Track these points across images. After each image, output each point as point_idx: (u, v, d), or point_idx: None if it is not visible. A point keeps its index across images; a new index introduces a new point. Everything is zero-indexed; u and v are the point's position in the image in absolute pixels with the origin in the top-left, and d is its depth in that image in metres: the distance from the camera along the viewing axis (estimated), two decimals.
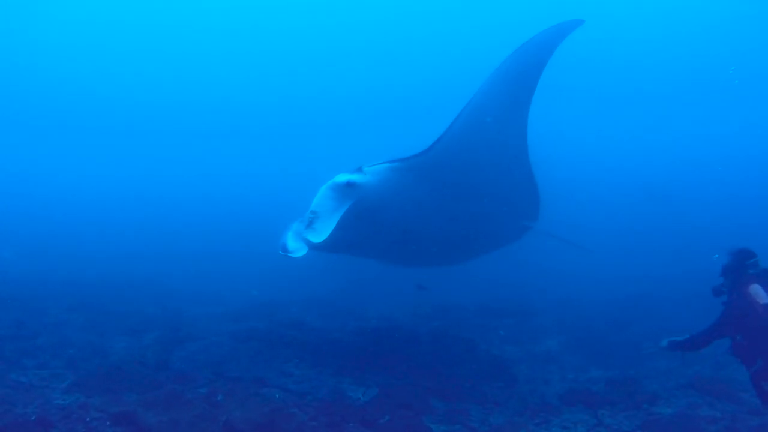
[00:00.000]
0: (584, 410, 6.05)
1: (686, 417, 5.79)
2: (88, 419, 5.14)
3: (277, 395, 5.73)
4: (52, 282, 13.16)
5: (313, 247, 5.94)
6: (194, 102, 43.59)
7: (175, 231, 24.83)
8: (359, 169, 6.30)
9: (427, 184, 6.58)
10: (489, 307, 11.40)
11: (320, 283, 12.37)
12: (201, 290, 12.84)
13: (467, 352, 7.87)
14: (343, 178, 6.23)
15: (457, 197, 6.94)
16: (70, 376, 6.51)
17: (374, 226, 6.74)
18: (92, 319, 9.59)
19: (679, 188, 27.41)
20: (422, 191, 6.65)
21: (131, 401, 5.47)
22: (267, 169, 39.84)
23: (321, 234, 5.86)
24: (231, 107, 44.03)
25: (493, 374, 7.13)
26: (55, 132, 39.76)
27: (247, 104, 43.70)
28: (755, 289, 4.43)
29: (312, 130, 42.68)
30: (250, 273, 14.25)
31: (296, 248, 5.89)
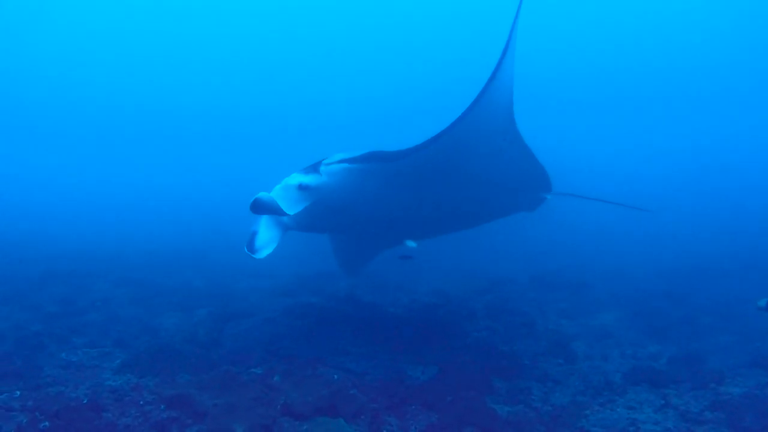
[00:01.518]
0: (649, 389, 5.70)
1: (757, 398, 5.42)
2: (141, 402, 4.99)
3: (335, 376, 5.49)
4: (97, 258, 13.29)
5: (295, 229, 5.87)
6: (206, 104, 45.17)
7: (211, 208, 25.23)
8: (315, 168, 5.79)
9: (399, 187, 5.97)
10: (541, 280, 11.12)
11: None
12: (245, 262, 12.77)
13: (524, 327, 7.62)
14: (294, 179, 5.74)
15: (440, 192, 6.25)
16: (119, 354, 6.43)
17: (349, 218, 6.31)
18: (140, 295, 9.58)
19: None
20: (394, 192, 6.06)
21: (184, 383, 5.29)
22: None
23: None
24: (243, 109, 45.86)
25: (551, 350, 6.83)
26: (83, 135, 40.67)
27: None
28: None
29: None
30: (292, 243, 14.14)
31: (262, 246, 5.54)
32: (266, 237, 5.62)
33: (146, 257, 14.05)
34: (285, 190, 5.64)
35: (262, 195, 5.06)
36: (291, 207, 5.48)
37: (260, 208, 5.10)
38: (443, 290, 9.98)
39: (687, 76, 38.75)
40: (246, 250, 5.42)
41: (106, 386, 5.43)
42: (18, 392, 5.18)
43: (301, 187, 5.61)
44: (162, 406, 4.88)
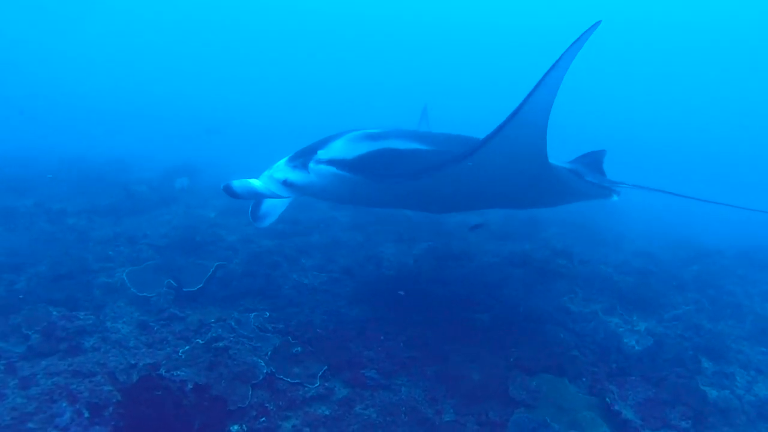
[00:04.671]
0: None
1: None
2: (382, 338, 5.50)
3: (561, 335, 5.80)
4: None
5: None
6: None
7: None
8: (304, 164, 5.30)
9: (401, 197, 5.49)
10: (750, 257, 10.58)
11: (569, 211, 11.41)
12: None
13: (730, 308, 7.50)
14: (280, 173, 5.37)
15: (451, 198, 5.49)
16: (348, 282, 6.95)
17: (348, 201, 5.96)
18: (358, 220, 9.93)
19: None
20: (395, 199, 5.66)
21: (420, 321, 5.83)
22: None
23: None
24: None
25: (755, 336, 6.74)
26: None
27: None
28: None
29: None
30: None
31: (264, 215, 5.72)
32: (268, 206, 5.74)
33: None
34: (269, 182, 5.37)
35: (234, 183, 5.05)
36: (273, 197, 5.43)
37: (232, 195, 5.08)
38: (652, 253, 9.97)
39: None
40: (250, 218, 5.73)
41: (342, 315, 6.01)
42: (267, 313, 5.84)
43: (286, 183, 5.33)
44: (401, 344, 5.40)
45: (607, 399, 4.91)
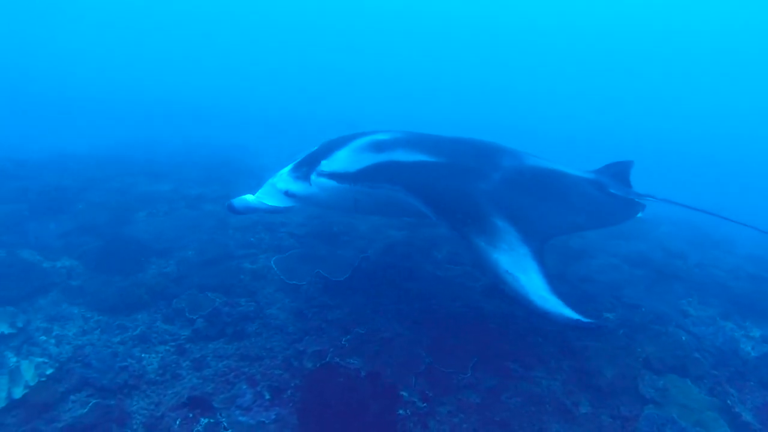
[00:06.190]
0: None
1: None
2: (520, 332, 6.12)
3: (683, 337, 6.14)
4: None
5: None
6: None
7: None
8: (306, 175, 5.40)
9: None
10: None
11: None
12: None
13: None
14: (282, 182, 5.51)
15: None
16: (480, 277, 7.21)
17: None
18: None
19: None
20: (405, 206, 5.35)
21: None
22: None
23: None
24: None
25: None
26: None
27: None
28: None
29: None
30: None
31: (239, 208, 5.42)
32: (248, 203, 5.47)
33: None
34: (272, 191, 5.52)
35: (235, 202, 5.28)
36: (275, 207, 5.45)
37: (235, 212, 5.31)
38: (765, 258, 10.08)
39: None
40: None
41: (481, 308, 6.42)
42: (416, 304, 6.30)
43: (288, 194, 5.45)
44: (539, 339, 5.91)
45: (728, 401, 5.29)
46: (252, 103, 41.64)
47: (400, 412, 4.74)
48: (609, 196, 5.91)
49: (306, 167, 5.42)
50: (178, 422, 4.54)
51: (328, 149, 5.46)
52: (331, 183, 5.19)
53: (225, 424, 4.52)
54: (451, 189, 4.96)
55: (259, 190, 5.60)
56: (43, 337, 5.66)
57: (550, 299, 4.06)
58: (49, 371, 5.05)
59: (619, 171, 6.51)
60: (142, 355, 5.40)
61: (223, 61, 63.94)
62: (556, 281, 7.18)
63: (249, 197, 5.40)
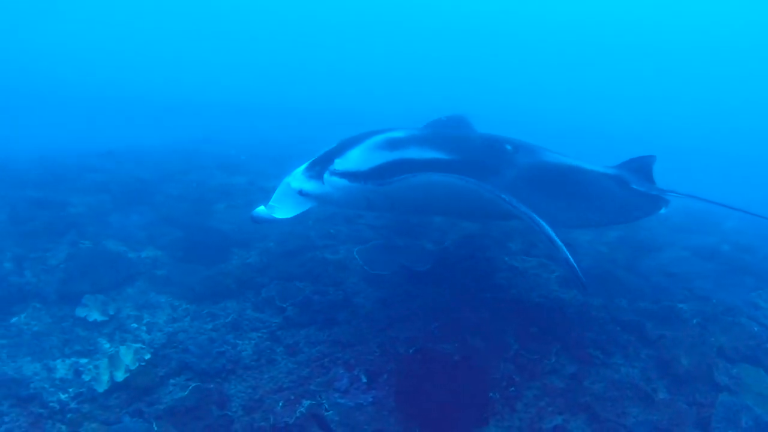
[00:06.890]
0: None
1: None
2: (600, 321, 6.44)
3: (755, 328, 6.30)
4: None
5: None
6: None
7: None
8: (320, 174, 5.41)
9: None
10: None
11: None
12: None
13: None
14: (296, 182, 5.52)
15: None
16: (555, 269, 7.47)
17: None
18: None
19: None
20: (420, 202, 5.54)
21: (627, 308, 6.69)
22: None
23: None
24: None
25: None
26: None
27: None
28: None
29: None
30: None
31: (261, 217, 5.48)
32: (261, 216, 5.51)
33: None
34: (286, 191, 5.55)
35: (259, 211, 5.37)
36: (288, 210, 5.46)
37: (257, 222, 5.40)
38: None
39: None
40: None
41: (558, 298, 6.71)
42: (500, 294, 6.62)
43: (302, 193, 5.47)
44: (618, 328, 6.21)
45: None
46: (311, 101, 42.22)
47: (491, 395, 5.09)
48: (631, 191, 5.91)
49: (320, 166, 5.45)
50: (280, 404, 4.88)
51: (342, 147, 5.51)
52: (343, 182, 5.24)
53: (326, 405, 4.86)
54: None
55: (276, 190, 5.66)
56: (135, 325, 6.08)
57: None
58: (147, 356, 5.45)
59: (642, 166, 6.49)
60: (236, 341, 5.76)
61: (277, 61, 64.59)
62: (627, 272, 7.52)
63: (262, 209, 5.45)
